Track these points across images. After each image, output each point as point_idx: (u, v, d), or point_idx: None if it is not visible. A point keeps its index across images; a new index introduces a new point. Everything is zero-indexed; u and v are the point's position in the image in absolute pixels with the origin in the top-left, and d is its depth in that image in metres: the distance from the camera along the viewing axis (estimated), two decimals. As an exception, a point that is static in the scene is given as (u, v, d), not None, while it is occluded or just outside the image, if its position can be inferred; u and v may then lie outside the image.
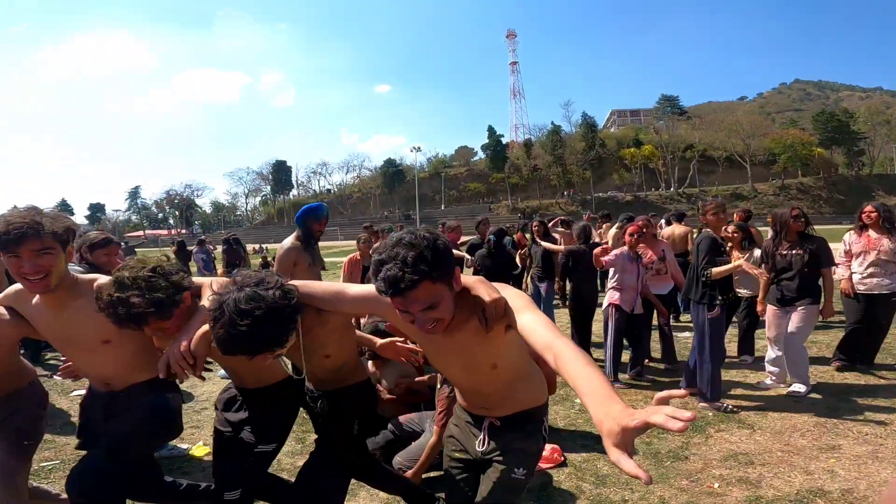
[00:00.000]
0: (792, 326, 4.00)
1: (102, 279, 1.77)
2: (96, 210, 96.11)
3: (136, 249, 22.48)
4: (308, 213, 3.95)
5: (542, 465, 2.98)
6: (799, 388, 4.04)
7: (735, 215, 6.99)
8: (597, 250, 4.42)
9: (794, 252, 4.06)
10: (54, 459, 3.29)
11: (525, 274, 6.76)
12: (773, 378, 4.23)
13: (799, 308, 3.99)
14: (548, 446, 3.13)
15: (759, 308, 4.42)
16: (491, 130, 71.30)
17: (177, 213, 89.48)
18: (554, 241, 6.21)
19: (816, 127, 68.20)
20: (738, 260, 3.70)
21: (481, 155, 79.03)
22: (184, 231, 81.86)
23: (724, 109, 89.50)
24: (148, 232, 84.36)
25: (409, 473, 2.75)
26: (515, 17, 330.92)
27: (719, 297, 3.69)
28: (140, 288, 1.58)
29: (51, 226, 1.62)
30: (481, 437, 1.64)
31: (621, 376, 4.44)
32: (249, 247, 33.62)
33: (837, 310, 4.43)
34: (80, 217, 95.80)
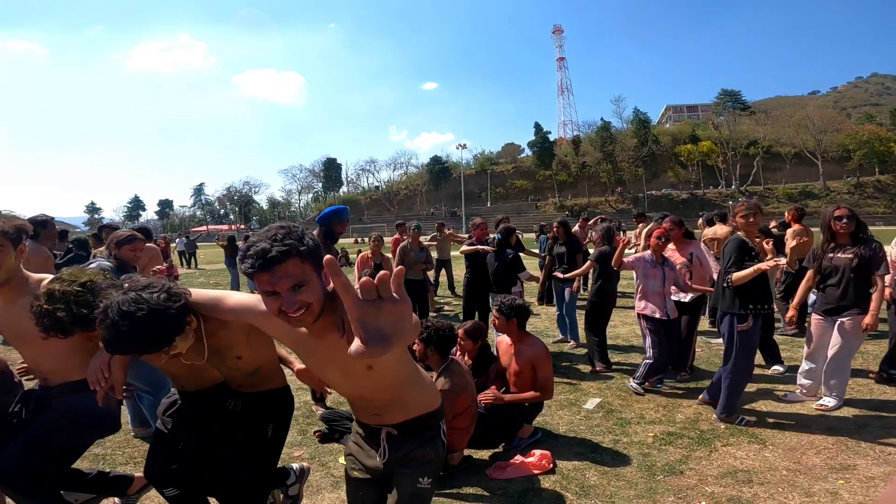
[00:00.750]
0: (837, 339, 3.66)
1: (47, 280, 1.90)
2: (165, 206, 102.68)
3: (197, 243, 24.01)
4: (332, 214, 4.10)
5: (530, 470, 2.94)
6: (828, 401, 3.75)
7: (787, 214, 6.56)
8: (619, 251, 4.31)
9: (841, 256, 3.65)
10: None
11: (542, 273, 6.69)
12: (804, 391, 3.93)
13: (845, 319, 3.63)
14: (538, 451, 3.09)
15: (790, 314, 4.13)
16: (538, 127, 70.13)
17: (236, 209, 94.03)
18: (578, 242, 6.07)
19: (895, 122, 62.49)
20: (766, 263, 3.40)
21: (528, 152, 77.94)
22: (242, 226, 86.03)
23: (792, 104, 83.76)
24: (210, 227, 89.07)
25: None
26: (563, 11, 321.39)
27: (750, 307, 3.40)
28: (67, 303, 1.71)
29: (1, 225, 1.82)
30: (381, 448, 1.63)
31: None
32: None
33: (882, 316, 4.05)
34: (150, 212, 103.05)
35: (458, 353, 3.49)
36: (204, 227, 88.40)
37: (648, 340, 4.16)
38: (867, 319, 3.63)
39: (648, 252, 4.17)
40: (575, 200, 67.35)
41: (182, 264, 19.66)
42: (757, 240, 3.65)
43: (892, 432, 3.28)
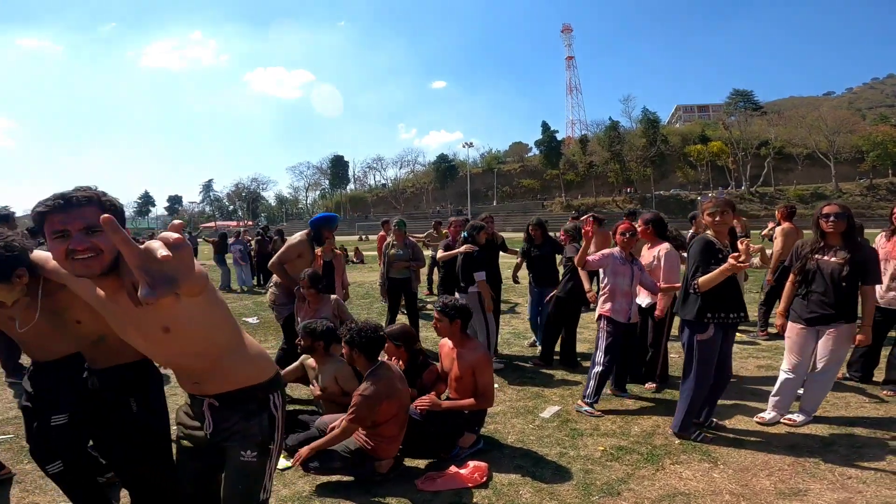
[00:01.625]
0: (825, 351, 3.38)
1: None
2: (174, 202, 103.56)
3: (199, 239, 24.11)
4: (323, 220, 4.81)
5: (461, 483, 2.78)
6: (797, 416, 3.53)
7: (777, 212, 6.30)
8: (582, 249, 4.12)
9: (830, 259, 3.32)
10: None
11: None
12: (776, 408, 3.57)
13: (832, 331, 3.34)
14: (472, 463, 2.93)
15: (777, 322, 3.89)
16: (545, 126, 69.56)
17: (245, 205, 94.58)
18: (556, 244, 5.87)
19: (911, 122, 61.16)
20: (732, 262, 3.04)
21: (536, 151, 77.39)
22: (249, 223, 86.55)
23: (806, 105, 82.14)
24: (219, 223, 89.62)
25: (302, 450, 2.77)
26: (572, 10, 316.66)
27: (708, 315, 3.12)
28: None
29: None
30: (206, 419, 1.61)
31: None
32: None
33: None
34: (160, 208, 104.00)
35: (392, 357, 3.34)
36: (213, 223, 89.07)
37: (602, 345, 3.83)
38: (860, 336, 3.36)
39: (617, 249, 3.91)
40: (582, 200, 66.63)
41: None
42: (727, 240, 3.35)
43: (860, 453, 3.08)
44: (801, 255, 3.51)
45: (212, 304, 1.42)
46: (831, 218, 3.34)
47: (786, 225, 5.94)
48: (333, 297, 4.37)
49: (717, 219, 3.15)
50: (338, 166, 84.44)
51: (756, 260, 3.77)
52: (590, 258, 3.86)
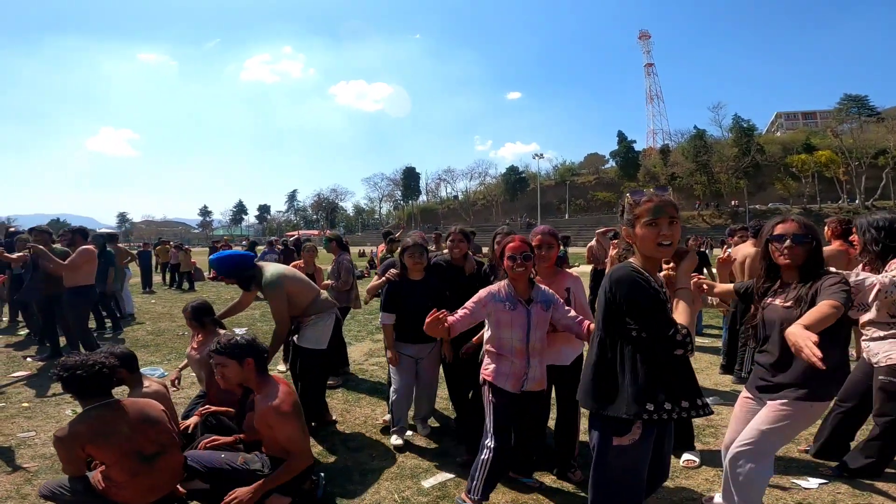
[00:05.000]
0: (759, 423, 2.21)
1: None
2: (263, 211, 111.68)
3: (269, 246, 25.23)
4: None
5: None
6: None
7: (826, 228, 4.78)
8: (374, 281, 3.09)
9: (778, 304, 2.22)
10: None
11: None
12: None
13: (776, 403, 2.18)
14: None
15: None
16: (621, 136, 66.01)
17: (324, 214, 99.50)
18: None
19: None
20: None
21: (612, 163, 73.65)
22: (328, 232, 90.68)
23: (939, 106, 70.81)
24: (302, 231, 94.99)
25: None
26: (652, 16, 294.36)
27: (637, 408, 1.77)
28: None
29: None
30: None
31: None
32: (356, 249, 35.58)
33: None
34: (251, 217, 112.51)
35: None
36: (296, 232, 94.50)
37: (489, 422, 2.58)
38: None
39: (502, 284, 2.61)
40: (663, 214, 62.13)
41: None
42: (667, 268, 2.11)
43: None
44: (754, 291, 2.38)
45: None
46: (786, 241, 2.20)
47: (836, 245, 4.45)
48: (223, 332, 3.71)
49: (656, 229, 1.81)
50: (410, 178, 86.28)
51: (714, 300, 2.53)
52: (453, 318, 2.44)
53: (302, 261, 5.86)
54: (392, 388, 3.60)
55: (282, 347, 4.19)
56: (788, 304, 2.15)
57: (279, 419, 2.42)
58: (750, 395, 2.36)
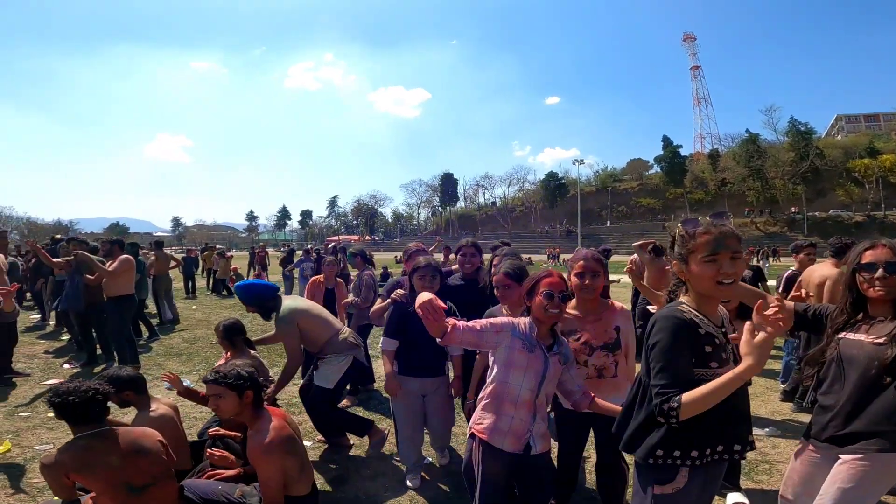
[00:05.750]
0: (831, 489, 1.81)
1: None
2: (306, 216, 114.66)
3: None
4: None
5: None
6: None
7: (877, 248, 4.21)
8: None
9: (863, 339, 1.85)
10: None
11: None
12: None
13: (853, 458, 1.79)
14: None
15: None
16: (666, 141, 63.58)
17: (364, 220, 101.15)
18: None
19: None
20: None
21: (657, 168, 71.22)
22: (367, 238, 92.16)
23: None
24: (343, 237, 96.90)
25: None
26: (697, 17, 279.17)
27: (680, 452, 1.55)
28: None
29: None
30: None
31: None
32: (392, 255, 35.95)
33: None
34: (294, 222, 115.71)
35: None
36: (337, 237, 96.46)
37: (477, 497, 2.14)
38: None
39: (525, 320, 2.15)
40: (711, 221, 59.42)
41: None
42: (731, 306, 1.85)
43: None
44: (830, 322, 1.98)
45: None
46: (878, 272, 1.84)
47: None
48: (254, 353, 3.63)
49: (717, 262, 1.53)
50: (447, 184, 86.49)
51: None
52: (456, 321, 2.03)
53: (323, 275, 5.77)
54: (397, 431, 3.26)
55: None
56: (881, 340, 1.80)
57: (262, 458, 2.27)
58: (811, 447, 1.97)
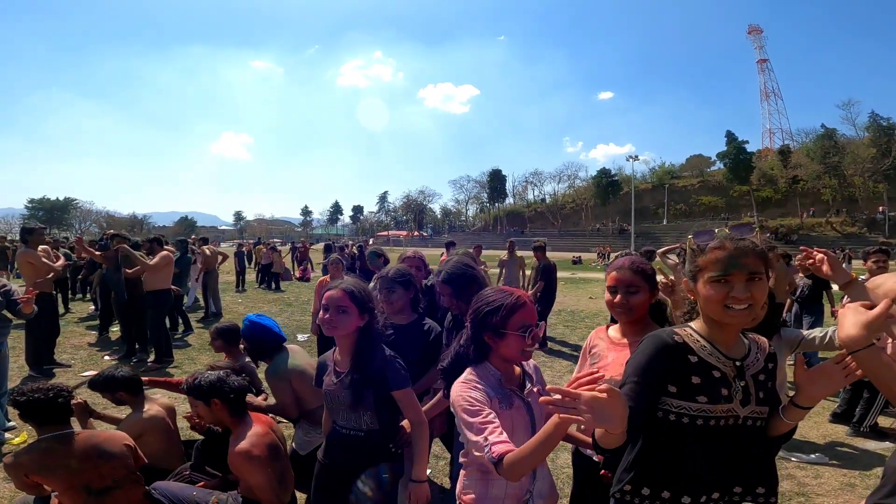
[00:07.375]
0: None
1: None
2: (357, 211, 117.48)
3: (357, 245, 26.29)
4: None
5: None
6: None
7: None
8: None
9: None
10: None
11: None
12: None
13: None
14: None
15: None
16: (730, 136, 59.61)
17: (412, 216, 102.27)
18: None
19: None
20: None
21: (720, 165, 67.18)
22: (415, 233, 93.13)
23: None
24: (392, 232, 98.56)
25: None
26: (762, 7, 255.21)
27: (648, 492, 1.34)
28: None
29: None
30: None
31: None
32: (439, 251, 35.94)
33: None
34: (346, 217, 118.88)
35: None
36: (387, 232, 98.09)
37: None
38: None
39: (487, 368, 1.61)
40: (782, 220, 55.38)
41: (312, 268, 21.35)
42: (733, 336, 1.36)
43: None
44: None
45: None
46: None
47: None
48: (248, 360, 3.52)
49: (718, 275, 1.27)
50: (496, 180, 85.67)
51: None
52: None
53: (329, 276, 5.77)
54: None
55: None
56: None
57: (246, 465, 2.23)
58: None
